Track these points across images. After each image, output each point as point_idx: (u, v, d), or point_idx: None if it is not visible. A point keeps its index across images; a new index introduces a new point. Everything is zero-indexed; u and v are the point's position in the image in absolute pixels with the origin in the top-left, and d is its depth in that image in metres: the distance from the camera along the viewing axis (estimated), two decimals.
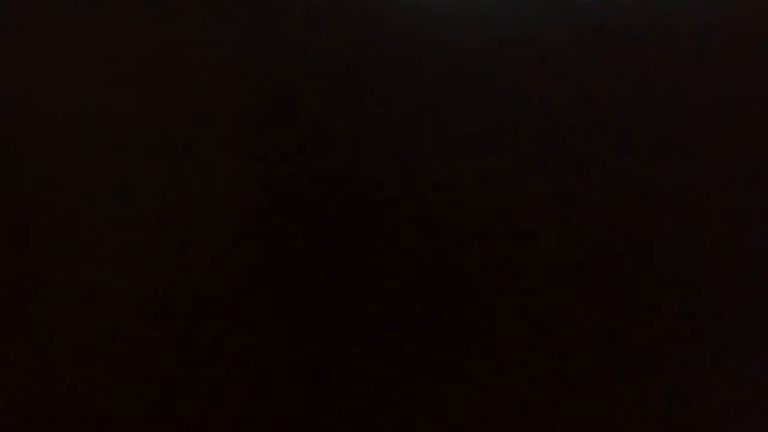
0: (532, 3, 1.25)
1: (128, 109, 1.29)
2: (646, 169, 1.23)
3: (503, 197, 1.25)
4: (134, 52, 1.29)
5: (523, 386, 1.25)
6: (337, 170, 1.27)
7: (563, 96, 1.24)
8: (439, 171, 1.26)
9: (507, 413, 1.25)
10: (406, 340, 1.26)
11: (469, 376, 1.25)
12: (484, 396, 1.25)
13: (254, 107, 1.28)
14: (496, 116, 1.25)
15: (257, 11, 1.28)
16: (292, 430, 1.27)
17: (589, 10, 1.24)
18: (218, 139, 1.28)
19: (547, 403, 1.25)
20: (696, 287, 1.23)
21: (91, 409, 1.28)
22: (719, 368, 1.23)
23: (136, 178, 1.28)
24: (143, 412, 1.28)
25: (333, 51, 1.27)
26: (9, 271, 1.28)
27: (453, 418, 1.26)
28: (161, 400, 1.28)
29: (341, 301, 1.27)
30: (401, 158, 1.26)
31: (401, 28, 1.26)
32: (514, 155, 1.25)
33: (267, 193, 1.28)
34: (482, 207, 1.25)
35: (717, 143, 1.23)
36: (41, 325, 1.28)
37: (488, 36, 1.25)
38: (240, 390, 1.27)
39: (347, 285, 1.27)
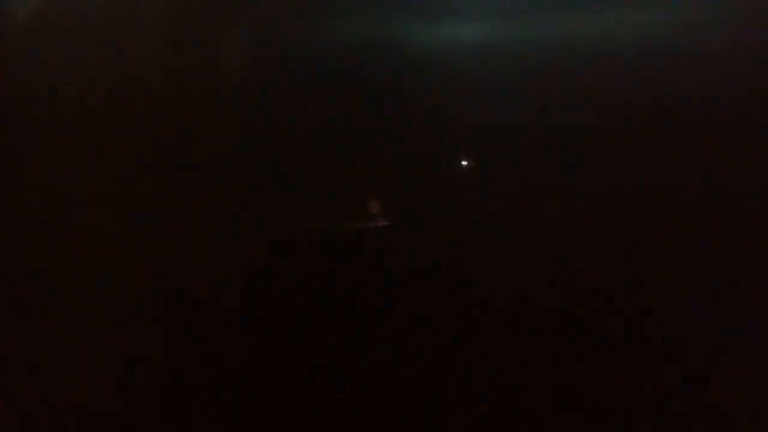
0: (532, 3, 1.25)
1: (128, 108, 1.29)
2: (646, 169, 1.23)
3: (503, 197, 1.25)
4: (134, 51, 1.29)
5: (523, 387, 1.25)
6: (338, 169, 1.27)
7: (563, 96, 1.24)
8: (438, 171, 1.26)
9: (507, 414, 1.25)
10: (407, 341, 1.26)
11: (469, 377, 1.25)
12: (484, 397, 1.25)
13: (255, 108, 1.28)
14: (498, 117, 1.25)
15: (258, 12, 1.28)
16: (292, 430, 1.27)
17: (590, 10, 1.24)
18: (219, 140, 1.28)
19: (546, 403, 1.25)
20: (696, 287, 1.23)
21: (90, 410, 1.28)
22: (719, 369, 1.23)
23: (135, 178, 1.28)
24: (143, 412, 1.28)
25: (333, 55, 1.27)
26: (9, 271, 1.29)
27: (453, 418, 1.26)
28: (161, 400, 1.28)
29: (341, 302, 1.27)
30: (401, 158, 1.26)
31: (403, 27, 1.27)
32: (514, 155, 1.25)
33: (267, 193, 1.28)
34: (483, 207, 1.26)
35: (717, 143, 1.23)
36: (41, 325, 1.28)
37: (489, 35, 1.25)
38: (239, 392, 1.27)
39: (347, 285, 1.27)
